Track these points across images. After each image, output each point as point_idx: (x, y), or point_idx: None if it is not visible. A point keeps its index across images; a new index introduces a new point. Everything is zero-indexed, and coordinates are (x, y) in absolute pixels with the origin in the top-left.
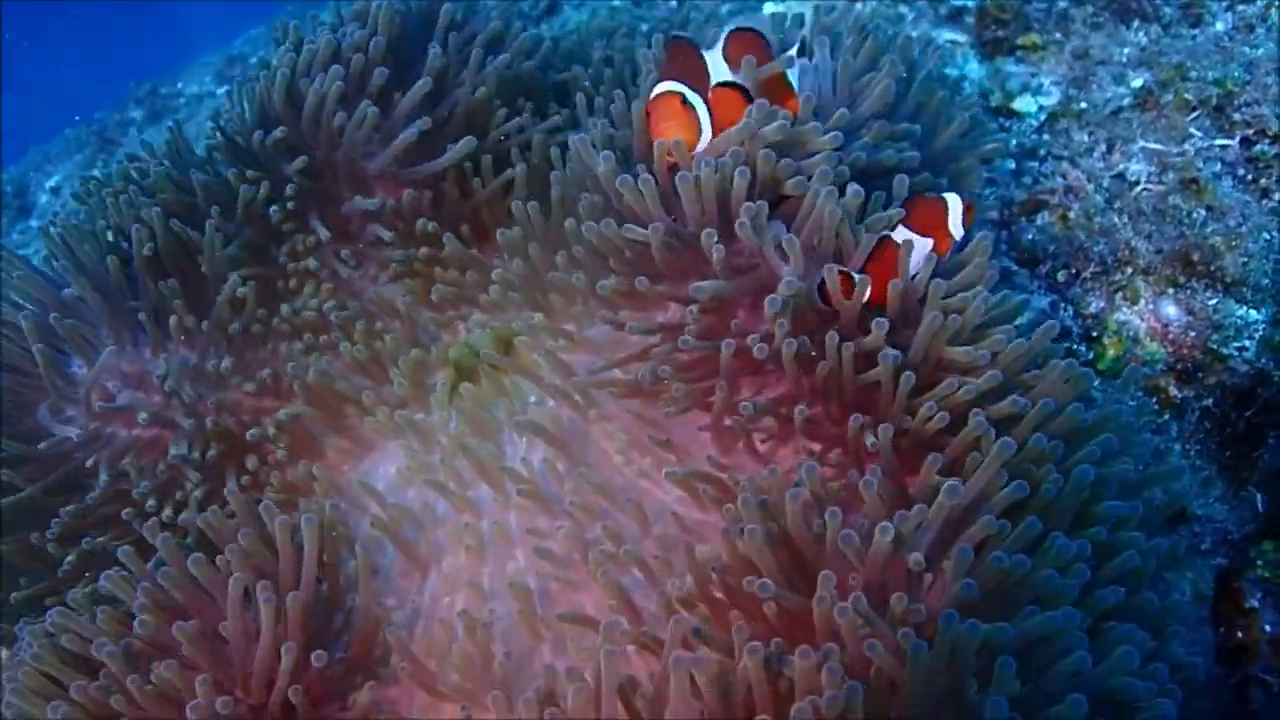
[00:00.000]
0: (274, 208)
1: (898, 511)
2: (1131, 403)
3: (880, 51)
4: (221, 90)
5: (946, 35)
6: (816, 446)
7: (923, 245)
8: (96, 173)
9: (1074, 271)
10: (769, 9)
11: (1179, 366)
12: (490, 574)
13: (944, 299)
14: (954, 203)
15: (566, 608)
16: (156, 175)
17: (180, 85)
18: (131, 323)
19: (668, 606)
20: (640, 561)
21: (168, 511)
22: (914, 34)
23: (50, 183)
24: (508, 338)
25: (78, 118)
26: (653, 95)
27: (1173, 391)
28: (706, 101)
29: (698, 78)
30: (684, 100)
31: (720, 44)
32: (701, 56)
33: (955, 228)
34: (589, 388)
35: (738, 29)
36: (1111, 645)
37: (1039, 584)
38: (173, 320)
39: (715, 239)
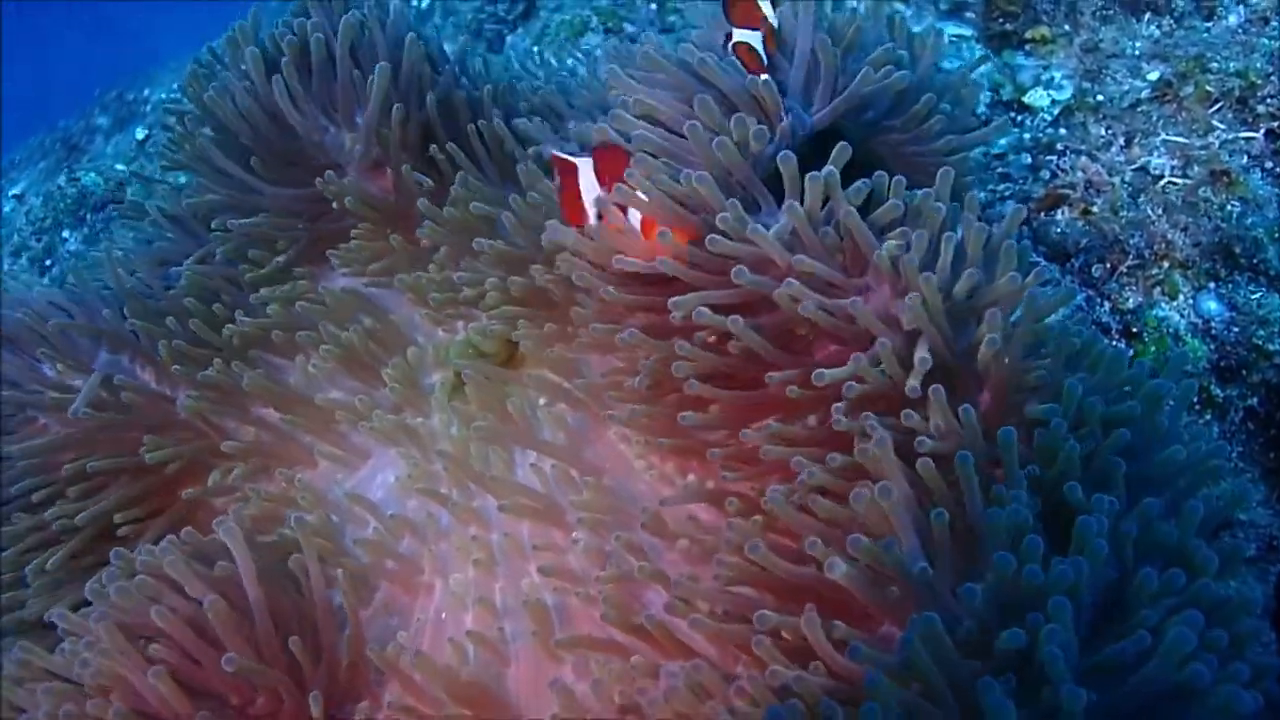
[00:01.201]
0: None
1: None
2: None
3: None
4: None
5: (951, 29)
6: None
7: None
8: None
9: (1109, 266)
10: None
11: (1222, 364)
12: (502, 589)
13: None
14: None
15: (588, 626)
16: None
17: (147, 92)
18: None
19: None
20: (661, 577)
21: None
22: (918, 29)
23: (14, 190)
24: (511, 336)
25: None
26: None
27: (1214, 390)
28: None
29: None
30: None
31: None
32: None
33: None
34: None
35: (602, 146)
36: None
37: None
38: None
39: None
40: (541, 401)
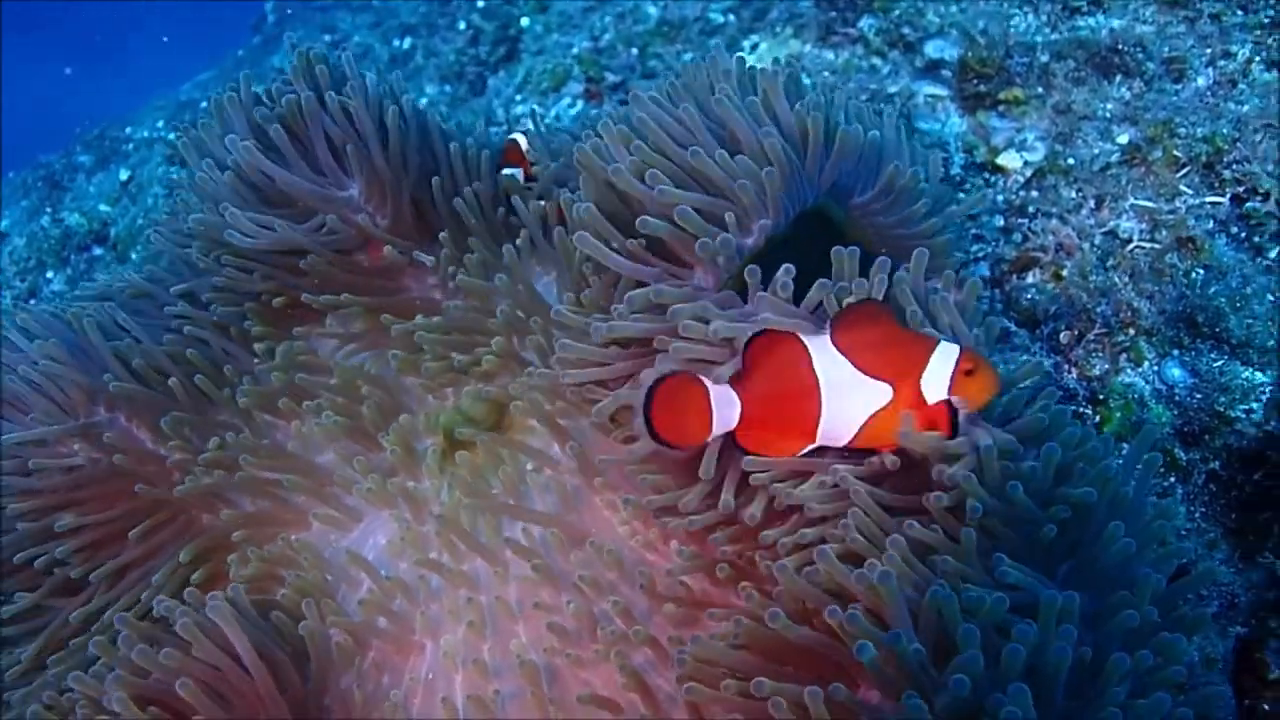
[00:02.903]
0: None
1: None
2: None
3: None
4: (173, 135)
5: (926, 89)
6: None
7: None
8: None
9: (1076, 333)
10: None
11: (1185, 429)
12: (491, 650)
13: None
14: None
15: (576, 687)
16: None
17: (129, 130)
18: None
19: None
20: (652, 641)
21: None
22: (894, 89)
23: None
24: (503, 401)
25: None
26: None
27: (1178, 454)
28: None
29: None
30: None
31: None
32: None
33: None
34: (591, 456)
35: None
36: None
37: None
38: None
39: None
40: (529, 467)
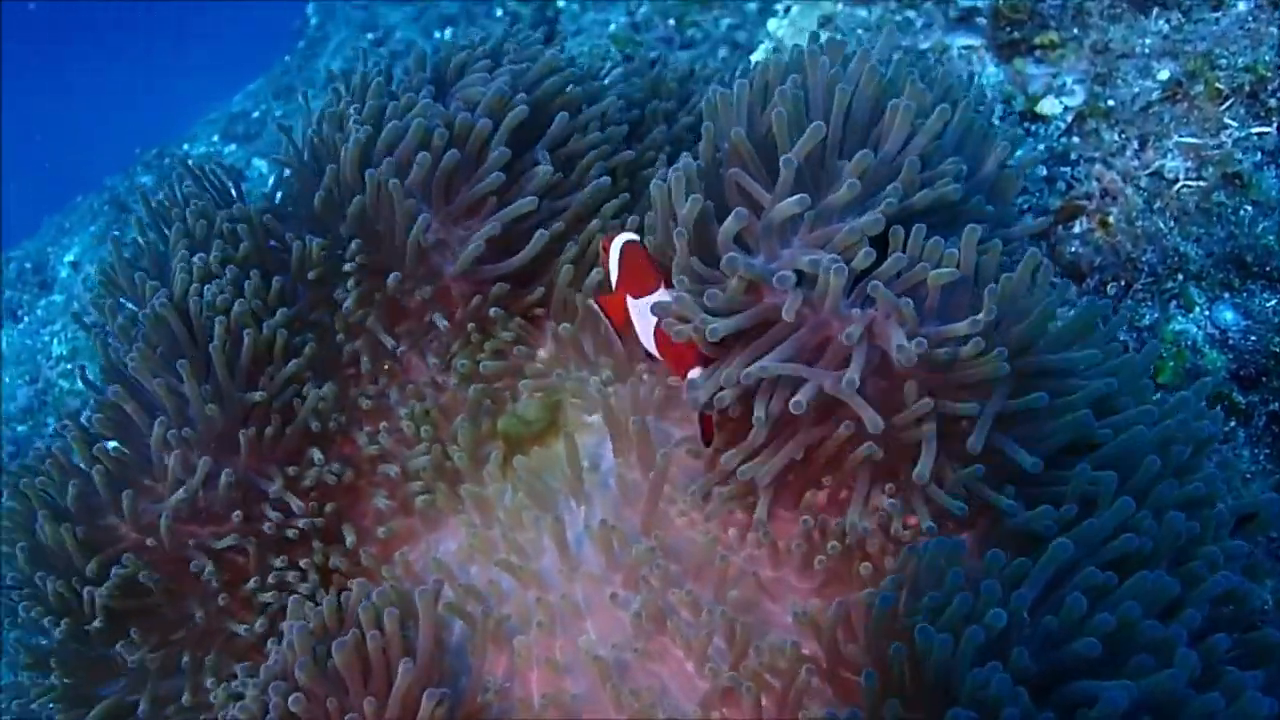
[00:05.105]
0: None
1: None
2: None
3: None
4: (230, 148)
5: (961, 40)
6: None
7: None
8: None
9: (1124, 283)
10: (773, 25)
11: (1241, 372)
12: (561, 648)
13: None
14: None
15: (646, 680)
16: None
17: (186, 147)
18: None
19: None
20: (721, 631)
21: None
22: (927, 44)
23: (69, 256)
24: (558, 401)
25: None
26: (614, 247)
27: (1236, 398)
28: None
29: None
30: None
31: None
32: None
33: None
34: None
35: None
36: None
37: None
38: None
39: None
40: (586, 464)
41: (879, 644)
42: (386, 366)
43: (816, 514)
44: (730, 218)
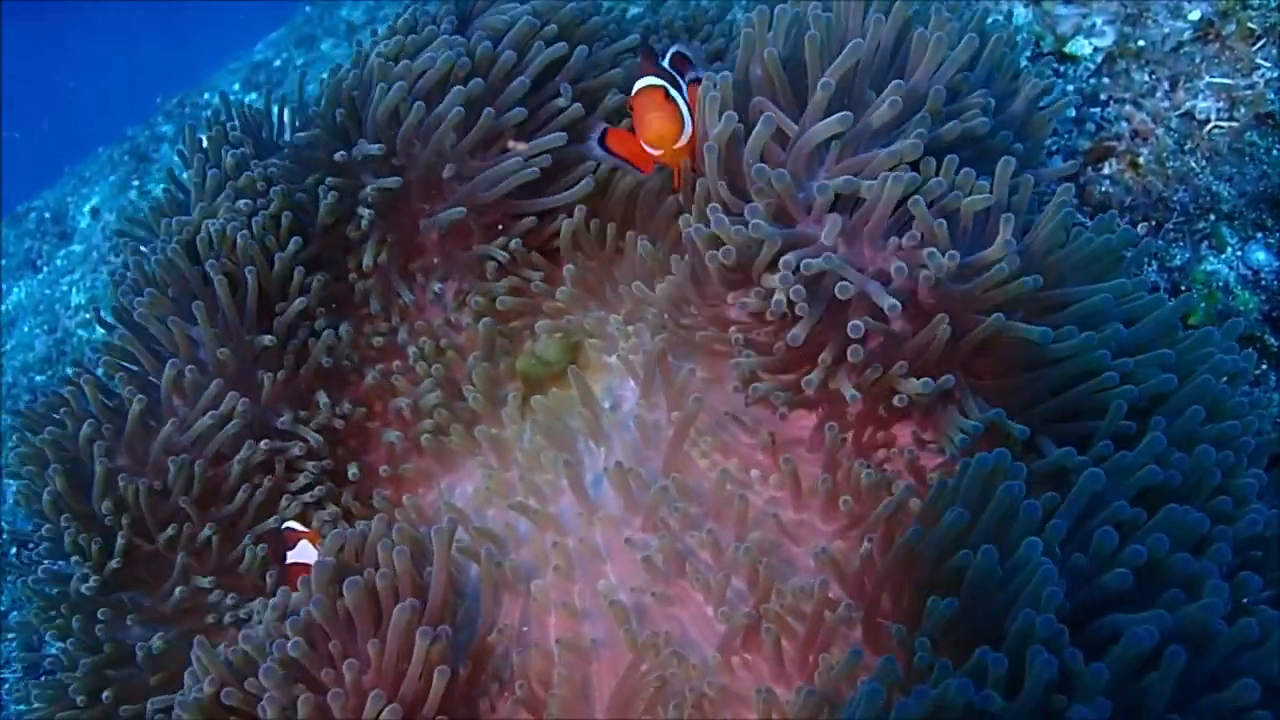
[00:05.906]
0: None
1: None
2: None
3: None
4: (251, 97)
5: None
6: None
7: None
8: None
9: (1154, 223)
10: None
11: (1274, 314)
12: (580, 593)
13: None
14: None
15: (665, 624)
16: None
17: (208, 96)
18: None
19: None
20: (741, 573)
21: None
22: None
23: (88, 205)
24: (577, 342)
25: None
26: (636, 89)
27: (1269, 340)
28: (684, 96)
29: (670, 78)
30: (666, 94)
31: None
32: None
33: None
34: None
35: (678, 52)
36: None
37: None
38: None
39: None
40: (607, 405)
41: (916, 571)
42: (400, 304)
43: (840, 454)
44: (760, 122)
